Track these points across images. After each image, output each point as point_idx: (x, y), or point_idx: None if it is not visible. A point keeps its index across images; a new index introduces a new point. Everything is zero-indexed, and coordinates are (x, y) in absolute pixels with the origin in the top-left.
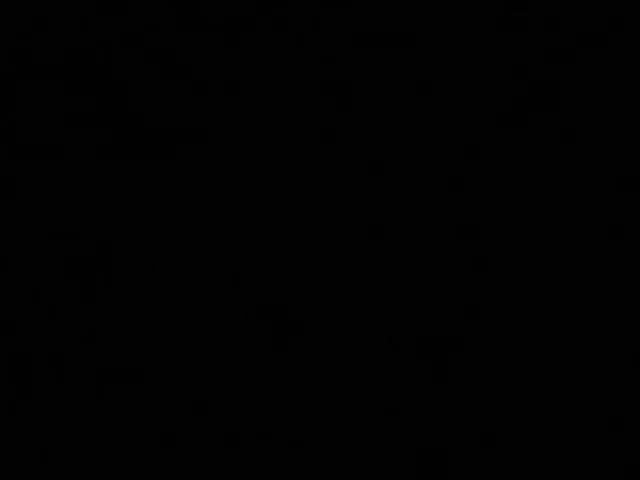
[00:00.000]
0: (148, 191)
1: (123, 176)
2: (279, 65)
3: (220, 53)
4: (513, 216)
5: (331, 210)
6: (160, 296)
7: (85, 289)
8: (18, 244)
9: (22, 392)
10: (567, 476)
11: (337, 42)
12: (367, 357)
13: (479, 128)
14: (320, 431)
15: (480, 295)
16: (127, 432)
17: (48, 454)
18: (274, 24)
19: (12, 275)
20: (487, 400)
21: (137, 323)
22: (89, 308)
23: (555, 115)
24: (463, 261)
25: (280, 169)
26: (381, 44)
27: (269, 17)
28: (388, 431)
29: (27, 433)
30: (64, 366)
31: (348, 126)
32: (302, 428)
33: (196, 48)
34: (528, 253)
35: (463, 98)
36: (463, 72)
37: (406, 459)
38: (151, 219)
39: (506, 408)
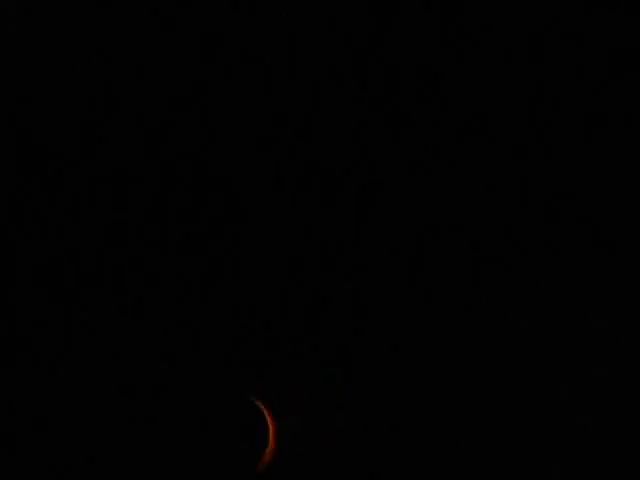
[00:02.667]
0: (148, 191)
1: (123, 176)
2: (279, 65)
3: (220, 53)
4: (513, 216)
5: (331, 210)
6: (160, 296)
7: (85, 289)
8: (18, 244)
9: (22, 392)
10: (567, 476)
11: (337, 42)
12: (367, 357)
13: (479, 128)
14: (320, 431)
15: (480, 295)
16: (127, 432)
17: (48, 454)
18: (274, 24)
19: (12, 275)
20: (486, 400)
21: (137, 323)
22: (89, 308)
23: (556, 115)
24: (463, 261)
25: (280, 169)
26: (381, 44)
27: (268, 17)
28: (388, 431)
29: (27, 433)
30: (64, 366)
31: (348, 126)
32: (302, 428)
33: (196, 48)
34: (528, 253)
35: (464, 98)
36: (464, 72)
37: (406, 459)
38: (151, 219)
39: (506, 408)
